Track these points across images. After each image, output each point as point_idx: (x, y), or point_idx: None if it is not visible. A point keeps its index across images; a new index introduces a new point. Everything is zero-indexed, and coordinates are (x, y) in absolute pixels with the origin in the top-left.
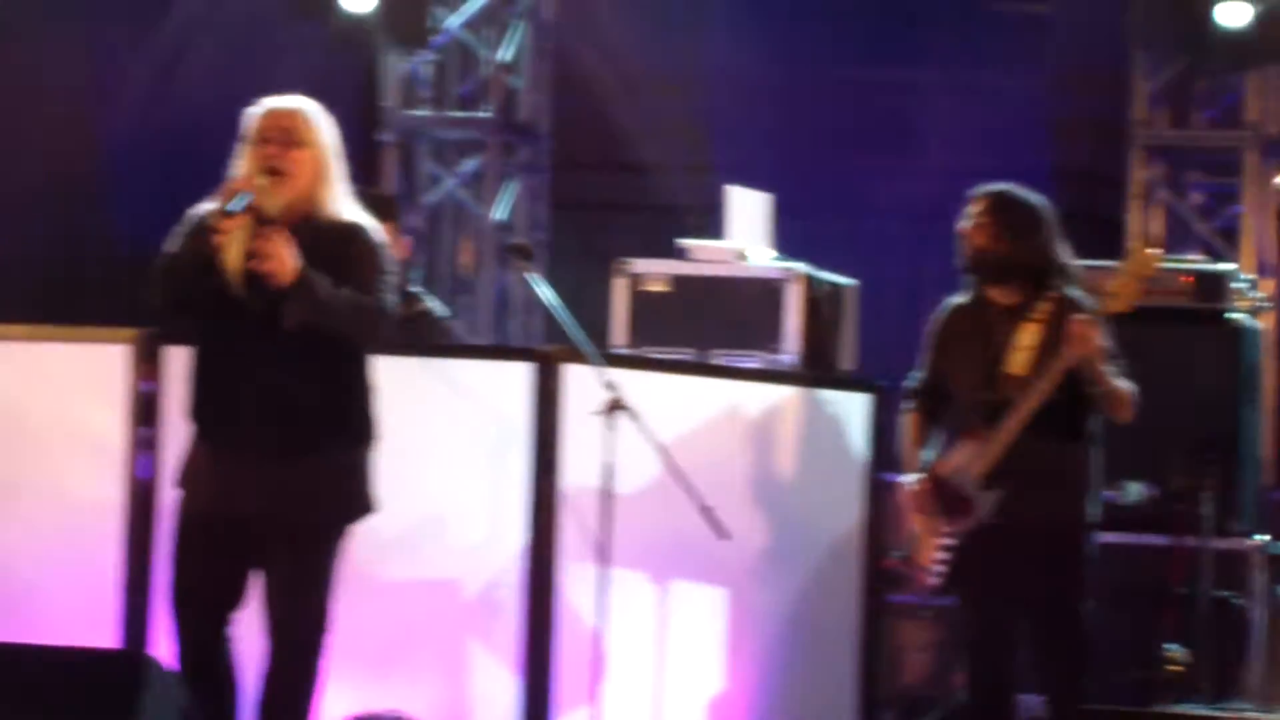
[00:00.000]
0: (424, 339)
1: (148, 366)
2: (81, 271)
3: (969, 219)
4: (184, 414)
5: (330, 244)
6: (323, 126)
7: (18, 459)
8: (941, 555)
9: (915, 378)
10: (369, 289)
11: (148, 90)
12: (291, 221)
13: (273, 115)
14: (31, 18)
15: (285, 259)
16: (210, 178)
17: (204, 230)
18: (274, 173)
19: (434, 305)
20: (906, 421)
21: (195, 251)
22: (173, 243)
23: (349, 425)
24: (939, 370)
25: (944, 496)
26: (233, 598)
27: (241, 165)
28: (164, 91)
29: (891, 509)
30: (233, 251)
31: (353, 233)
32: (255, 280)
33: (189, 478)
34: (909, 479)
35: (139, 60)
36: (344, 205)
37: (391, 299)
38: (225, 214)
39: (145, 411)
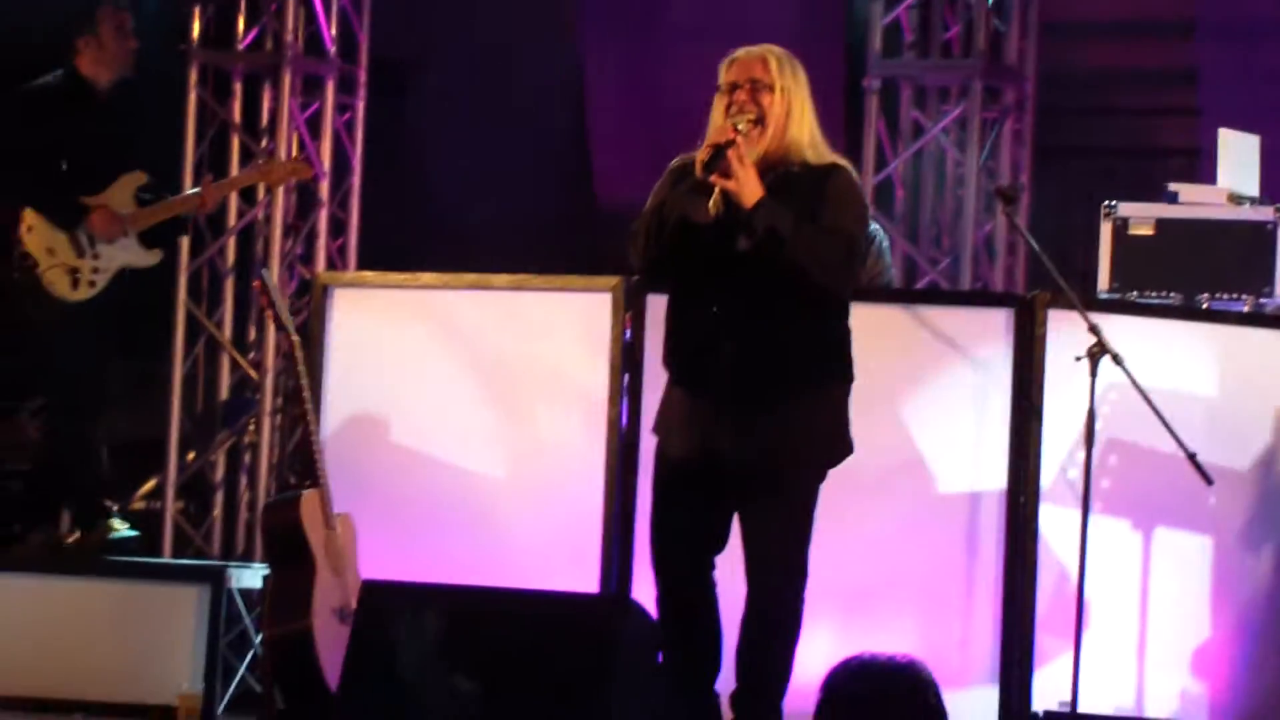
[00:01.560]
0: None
1: (630, 314)
2: (564, 222)
3: None
4: (662, 360)
5: (806, 185)
6: (791, 69)
7: (504, 407)
8: None
9: None
10: (843, 227)
11: (629, 43)
12: (767, 166)
13: (740, 64)
14: None
15: (748, 180)
16: (688, 130)
17: (682, 183)
18: (746, 119)
19: (877, 232)
20: None
21: (674, 206)
22: (653, 199)
23: (825, 367)
24: None
25: None
26: (714, 542)
27: (715, 115)
28: (644, 44)
29: None
30: (715, 192)
31: (828, 172)
32: (730, 215)
33: (667, 424)
34: None
35: (621, 13)
36: (821, 145)
37: (861, 238)
38: (708, 159)
39: (628, 359)
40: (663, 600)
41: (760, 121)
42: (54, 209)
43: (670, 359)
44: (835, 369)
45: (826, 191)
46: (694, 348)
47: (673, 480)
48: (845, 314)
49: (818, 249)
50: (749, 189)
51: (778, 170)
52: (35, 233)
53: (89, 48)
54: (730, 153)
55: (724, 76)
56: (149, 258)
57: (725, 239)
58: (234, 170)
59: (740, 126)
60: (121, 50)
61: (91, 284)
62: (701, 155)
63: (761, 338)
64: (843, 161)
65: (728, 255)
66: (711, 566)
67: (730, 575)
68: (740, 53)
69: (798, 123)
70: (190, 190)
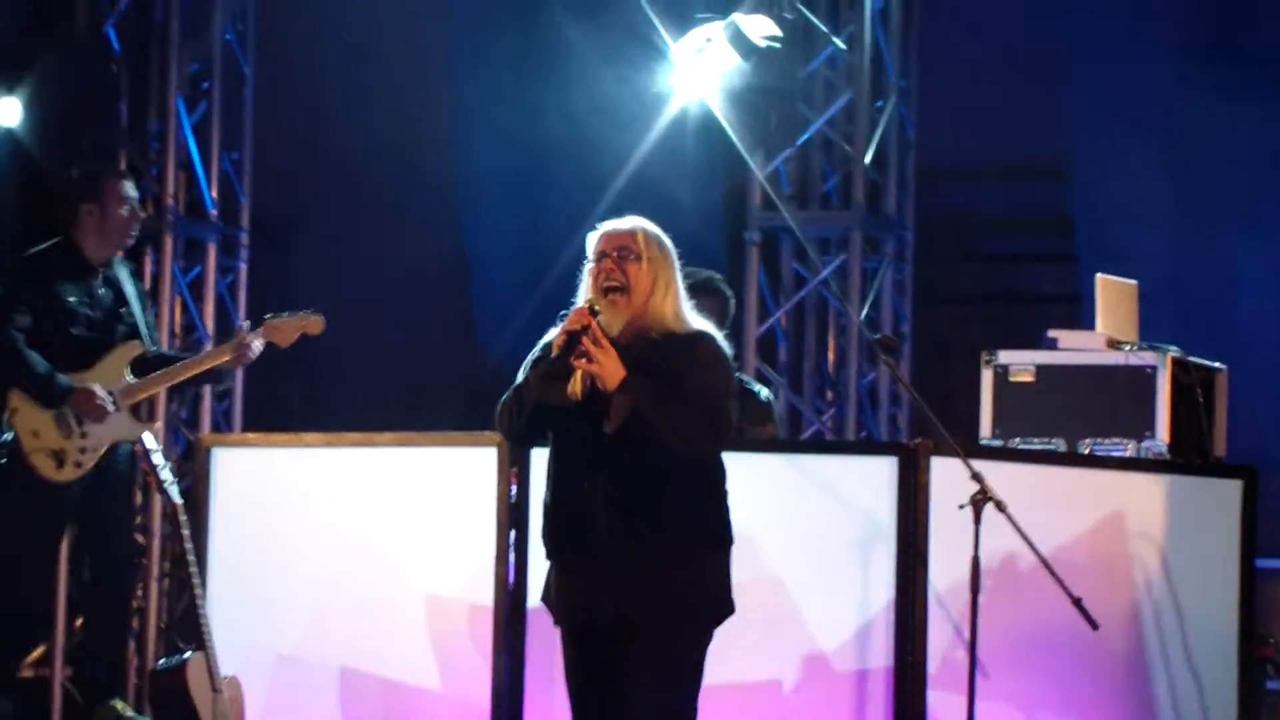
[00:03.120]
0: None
1: (515, 470)
2: (451, 377)
3: None
4: (540, 534)
5: (671, 352)
6: (659, 244)
7: (391, 565)
8: None
9: None
10: (709, 395)
11: (515, 199)
12: (632, 337)
13: (608, 235)
14: (398, 125)
15: (608, 362)
16: (568, 282)
17: (549, 360)
18: (611, 290)
19: (757, 386)
20: None
21: (532, 389)
22: (523, 371)
23: (701, 533)
24: None
25: None
26: (622, 707)
27: (584, 286)
28: (534, 198)
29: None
30: (577, 374)
31: (694, 340)
32: (595, 394)
33: (552, 599)
34: None
35: (507, 170)
36: (686, 317)
37: (727, 402)
38: (564, 346)
39: (513, 516)
40: None
41: (624, 290)
42: (36, 390)
43: (545, 536)
44: (711, 533)
45: (691, 357)
46: (567, 525)
47: (572, 653)
48: (721, 477)
49: (681, 422)
50: (609, 371)
51: (642, 340)
52: (20, 414)
53: (91, 217)
54: (585, 338)
55: (593, 248)
56: (140, 430)
57: (590, 419)
58: None
59: (598, 308)
60: (125, 222)
61: (78, 464)
62: (557, 340)
63: (633, 511)
64: (709, 328)
65: (594, 434)
66: None
67: None
68: (609, 225)
69: (662, 294)
70: (208, 351)
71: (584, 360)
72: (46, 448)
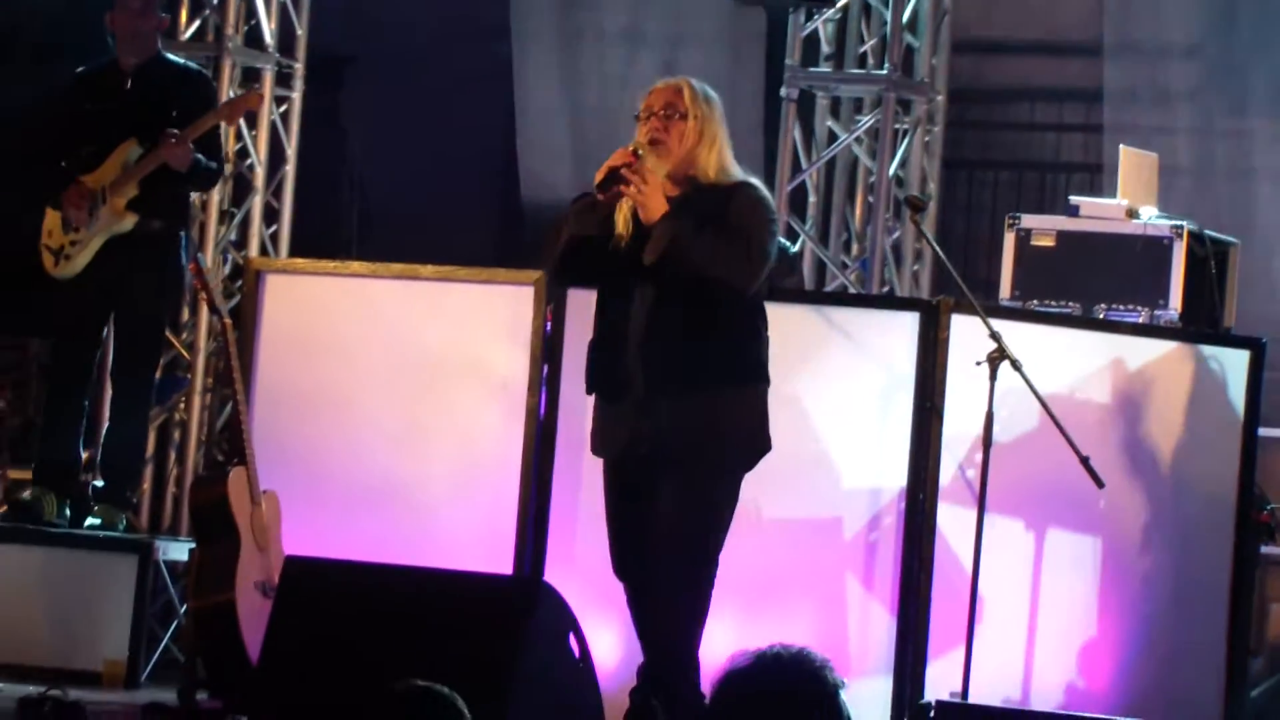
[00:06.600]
0: None
1: (551, 307)
2: (491, 217)
3: None
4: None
5: (711, 200)
6: (705, 100)
7: (426, 393)
8: None
9: None
10: (747, 230)
11: (557, 47)
12: (674, 186)
13: (658, 92)
14: None
15: (652, 194)
16: (613, 133)
17: (593, 201)
18: (656, 143)
19: (784, 241)
20: None
21: (577, 217)
22: (568, 211)
23: (736, 370)
24: None
25: None
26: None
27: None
28: (571, 48)
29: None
30: (622, 211)
31: (735, 188)
32: (638, 233)
33: (596, 432)
34: None
35: (550, 17)
36: (730, 169)
37: (768, 246)
38: (602, 181)
39: (547, 351)
40: (630, 600)
41: (664, 143)
42: (46, 187)
43: (588, 372)
44: (746, 371)
45: (731, 203)
46: (607, 361)
47: (611, 484)
48: (757, 319)
49: (718, 249)
50: (652, 202)
51: (685, 187)
52: (47, 215)
53: (110, 25)
54: (627, 172)
55: (643, 104)
56: (123, 223)
57: (631, 254)
58: None
59: (639, 152)
60: (130, 29)
61: (68, 258)
62: (598, 177)
63: (669, 350)
64: (752, 179)
65: (636, 269)
66: None
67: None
68: (660, 82)
69: (707, 149)
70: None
71: (628, 186)
72: (50, 244)
